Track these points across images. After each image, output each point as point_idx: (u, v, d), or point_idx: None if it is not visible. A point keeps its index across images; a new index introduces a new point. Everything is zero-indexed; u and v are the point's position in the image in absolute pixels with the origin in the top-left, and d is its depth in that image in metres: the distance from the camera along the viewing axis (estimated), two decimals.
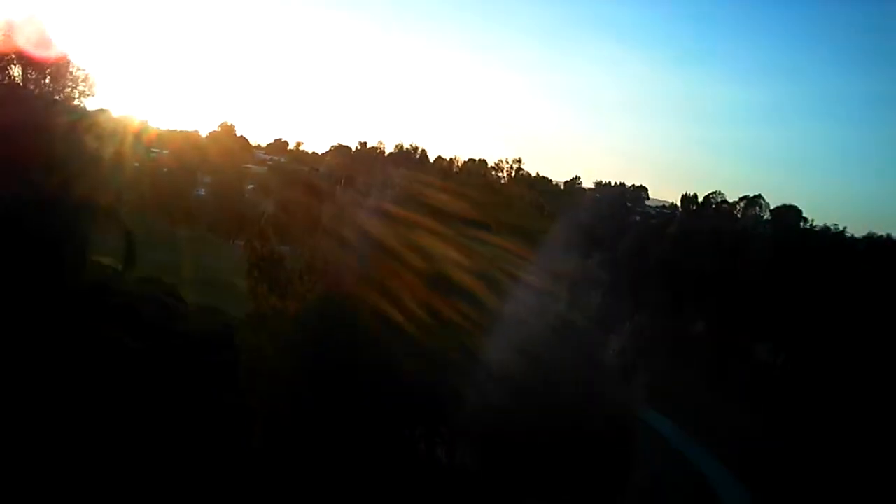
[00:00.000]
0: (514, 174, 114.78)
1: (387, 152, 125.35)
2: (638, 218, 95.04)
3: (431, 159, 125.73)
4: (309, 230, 45.31)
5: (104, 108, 40.83)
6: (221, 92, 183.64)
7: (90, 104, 38.49)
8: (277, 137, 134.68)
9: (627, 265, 57.60)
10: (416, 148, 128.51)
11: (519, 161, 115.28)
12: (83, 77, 36.06)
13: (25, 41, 34.30)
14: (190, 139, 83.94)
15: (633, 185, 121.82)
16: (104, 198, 41.45)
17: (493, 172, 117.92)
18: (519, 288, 35.42)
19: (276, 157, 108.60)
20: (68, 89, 36.46)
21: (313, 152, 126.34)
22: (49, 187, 32.29)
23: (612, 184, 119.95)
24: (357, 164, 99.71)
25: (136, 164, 60.39)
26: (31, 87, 35.37)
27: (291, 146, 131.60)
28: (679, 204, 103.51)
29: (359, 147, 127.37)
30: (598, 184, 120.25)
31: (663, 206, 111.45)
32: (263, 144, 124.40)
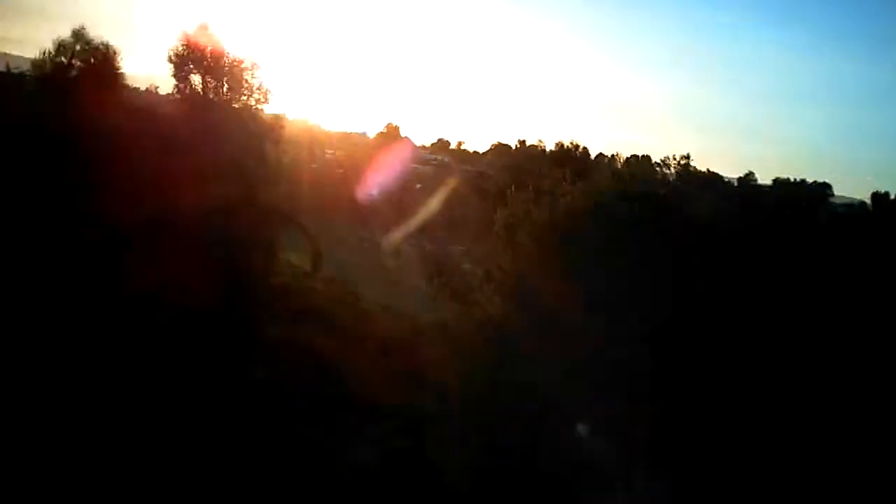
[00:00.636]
0: (682, 171, 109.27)
1: (547, 150, 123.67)
2: (827, 219, 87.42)
3: (592, 156, 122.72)
4: (482, 232, 44.91)
5: (280, 113, 42.32)
6: (384, 93, 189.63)
7: (266, 110, 39.96)
8: (439, 137, 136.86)
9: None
10: (577, 145, 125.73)
11: (687, 157, 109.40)
12: (258, 85, 37.32)
13: (204, 50, 36.03)
14: (359, 141, 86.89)
15: (816, 182, 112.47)
16: (286, 200, 43.12)
17: (659, 169, 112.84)
18: None
19: (439, 157, 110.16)
20: (244, 97, 37.73)
21: (474, 151, 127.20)
22: (238, 193, 33.84)
23: (792, 180, 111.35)
24: (518, 162, 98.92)
25: (314, 166, 62.99)
26: (211, 95, 36.90)
27: (453, 145, 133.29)
28: (869, 202, 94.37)
29: (518, 145, 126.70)
30: (777, 181, 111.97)
31: (850, 205, 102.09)
32: (427, 144, 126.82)
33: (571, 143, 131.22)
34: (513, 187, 54.39)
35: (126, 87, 37.50)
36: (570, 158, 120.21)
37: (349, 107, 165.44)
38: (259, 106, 37.01)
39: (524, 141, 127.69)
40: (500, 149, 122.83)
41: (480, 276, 36.64)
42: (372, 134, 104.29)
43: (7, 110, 34.72)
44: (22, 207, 27.79)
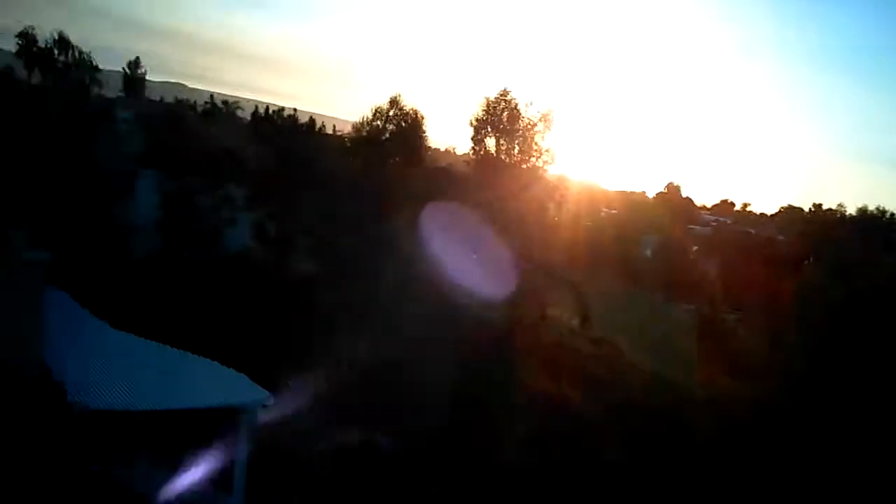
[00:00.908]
0: None
1: (847, 215, 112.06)
2: None
3: None
4: (764, 301, 42.29)
5: (562, 173, 43.75)
6: (668, 153, 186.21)
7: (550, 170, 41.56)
8: (723, 198, 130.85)
9: None
10: (884, 211, 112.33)
11: None
12: (546, 148, 38.95)
13: (501, 114, 38.44)
14: (637, 200, 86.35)
15: None
16: (560, 258, 44.20)
17: None
18: None
19: (721, 219, 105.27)
20: (533, 158, 39.33)
21: (761, 213, 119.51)
22: (517, 250, 35.52)
23: None
24: (813, 228, 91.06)
25: (589, 224, 63.77)
26: (503, 157, 39.08)
27: (738, 207, 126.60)
28: None
29: (812, 209, 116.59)
30: None
31: None
32: (708, 205, 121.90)
33: (877, 209, 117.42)
34: (810, 258, 49.99)
35: (429, 147, 41.51)
36: (877, 226, 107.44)
37: (630, 166, 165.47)
38: (545, 167, 38.67)
39: (820, 205, 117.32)
40: (791, 212, 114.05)
41: (762, 350, 34.45)
42: (651, 193, 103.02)
43: (331, 165, 40.20)
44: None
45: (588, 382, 30.77)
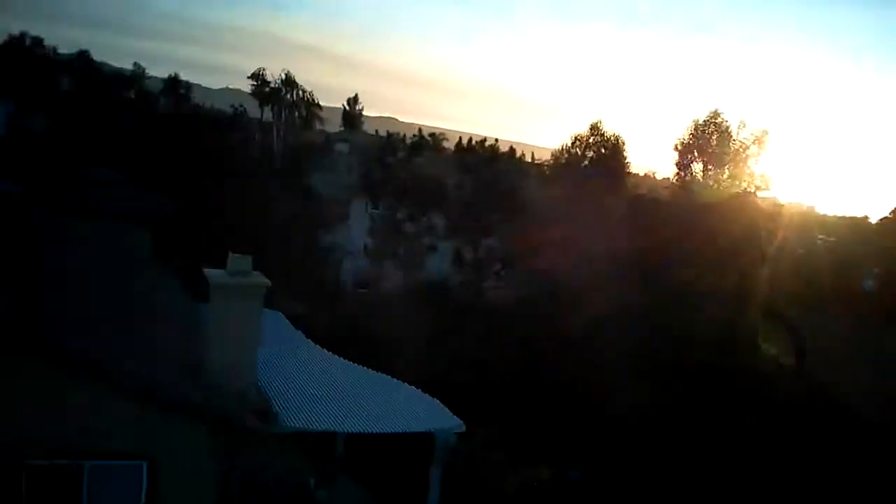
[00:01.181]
0: None
1: None
2: None
3: None
4: None
5: (773, 196, 41.26)
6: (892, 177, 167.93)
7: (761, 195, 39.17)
8: None
9: None
10: None
11: None
12: (760, 173, 36.63)
13: (709, 138, 36.69)
14: (859, 226, 78.57)
15: None
16: (770, 288, 41.46)
17: None
18: None
19: None
20: (745, 183, 37.34)
21: None
22: (724, 281, 33.80)
23: None
24: None
25: (801, 252, 59.06)
26: (711, 182, 37.29)
27: None
28: None
29: None
30: None
31: None
32: None
33: None
34: None
35: (629, 174, 40.87)
36: None
37: (851, 189, 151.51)
38: (757, 192, 36.73)
39: None
40: None
41: None
42: (875, 218, 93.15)
43: (530, 193, 40.97)
44: None
45: (802, 423, 28.78)
